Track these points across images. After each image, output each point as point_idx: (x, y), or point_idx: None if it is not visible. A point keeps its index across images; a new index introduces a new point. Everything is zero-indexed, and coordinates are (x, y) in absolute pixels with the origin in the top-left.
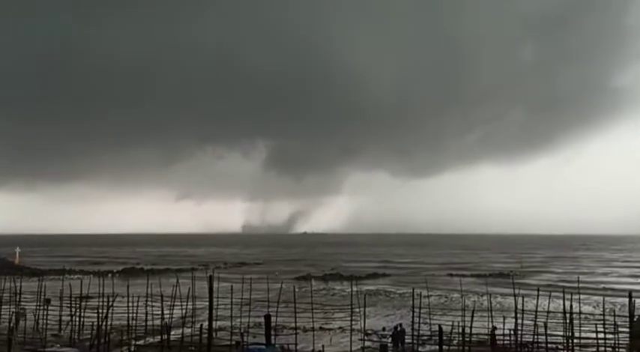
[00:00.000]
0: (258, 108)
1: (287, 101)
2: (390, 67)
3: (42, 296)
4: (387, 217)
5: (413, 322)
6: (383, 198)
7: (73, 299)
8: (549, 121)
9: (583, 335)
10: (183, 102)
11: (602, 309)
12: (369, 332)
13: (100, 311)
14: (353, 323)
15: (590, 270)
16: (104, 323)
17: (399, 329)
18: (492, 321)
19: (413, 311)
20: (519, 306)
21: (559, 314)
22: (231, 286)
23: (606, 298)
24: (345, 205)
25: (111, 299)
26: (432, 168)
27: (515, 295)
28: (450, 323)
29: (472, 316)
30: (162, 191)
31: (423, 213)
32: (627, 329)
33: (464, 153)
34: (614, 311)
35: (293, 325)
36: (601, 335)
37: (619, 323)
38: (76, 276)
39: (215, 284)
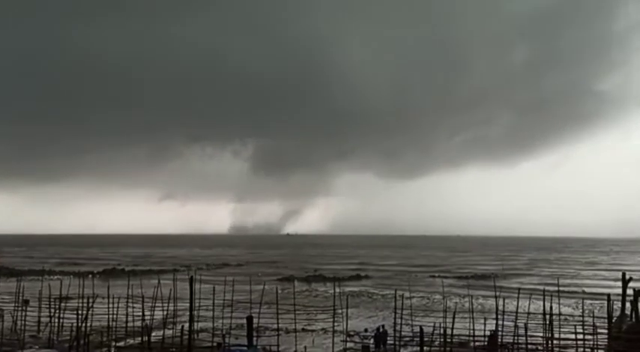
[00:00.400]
0: (248, 108)
1: (277, 102)
2: (381, 69)
3: (20, 297)
4: (375, 219)
5: (395, 323)
6: (370, 199)
7: (52, 300)
8: (537, 125)
9: (562, 336)
10: (172, 102)
11: (581, 311)
12: (352, 333)
13: (80, 312)
14: (335, 324)
15: (573, 272)
16: (84, 325)
17: (381, 330)
18: (474, 322)
19: (395, 313)
20: (500, 308)
21: (539, 316)
22: (213, 287)
23: (586, 300)
24: (333, 206)
25: (91, 300)
26: (420, 169)
27: (496, 296)
28: (432, 324)
29: (453, 317)
30: (147, 191)
31: (410, 214)
32: (606, 331)
33: (452, 155)
34: (593, 312)
35: (275, 326)
36: (580, 336)
37: (598, 324)
38: (55, 277)
39: (197, 286)
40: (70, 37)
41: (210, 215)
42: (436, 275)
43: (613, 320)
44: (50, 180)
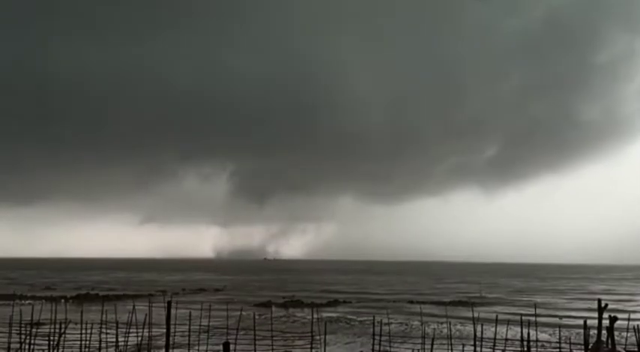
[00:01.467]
0: (237, 130)
1: (267, 125)
2: (377, 96)
3: None
4: (357, 244)
5: (373, 349)
6: (354, 224)
7: (22, 325)
8: (527, 154)
9: None
10: (160, 122)
11: (558, 337)
12: None
13: (52, 338)
14: (313, 350)
15: (551, 299)
16: (55, 351)
17: None
18: (452, 349)
19: (373, 339)
20: (478, 334)
21: (517, 342)
22: (190, 312)
23: (563, 327)
24: (320, 231)
25: (63, 325)
26: (411, 194)
27: (474, 323)
28: (410, 350)
29: (432, 344)
30: (127, 213)
31: (401, 239)
32: None
33: (438, 181)
34: (569, 339)
35: None
36: None
37: (574, 351)
38: (27, 302)
39: (173, 311)
40: (48, 54)
41: (193, 239)
42: (415, 300)
43: (589, 347)
44: (26, 203)
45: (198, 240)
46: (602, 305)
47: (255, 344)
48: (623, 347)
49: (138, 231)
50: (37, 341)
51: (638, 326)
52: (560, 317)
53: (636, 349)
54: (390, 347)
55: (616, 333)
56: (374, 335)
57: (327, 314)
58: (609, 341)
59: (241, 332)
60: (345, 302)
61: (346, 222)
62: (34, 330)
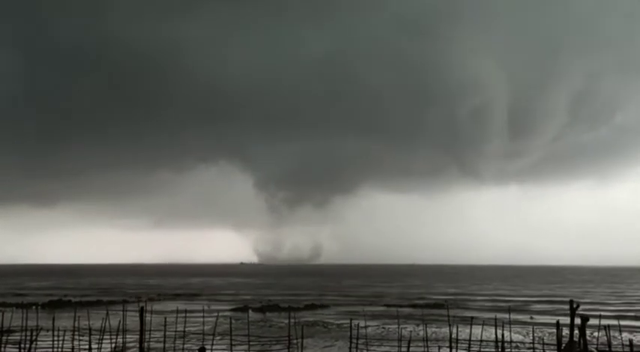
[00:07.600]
0: (261, 125)
1: (288, 121)
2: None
3: None
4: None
5: None
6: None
7: None
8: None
9: None
10: (180, 118)
11: (531, 338)
12: None
13: (23, 345)
14: None
15: (525, 300)
16: None
17: None
18: (428, 351)
19: (350, 342)
20: (453, 336)
21: (491, 343)
22: (165, 318)
23: (536, 327)
24: (353, 233)
25: (34, 333)
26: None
27: (449, 325)
28: None
29: (408, 346)
30: (140, 218)
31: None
32: None
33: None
34: (542, 340)
35: None
36: None
37: (547, 351)
38: None
39: (148, 317)
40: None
41: (208, 243)
42: (391, 303)
43: (562, 347)
44: (44, 205)
45: (216, 244)
46: (574, 305)
47: (231, 349)
48: (595, 346)
49: (151, 234)
50: (7, 349)
51: (608, 325)
52: (532, 316)
53: (607, 348)
54: (367, 349)
55: (587, 333)
56: (351, 338)
57: (305, 318)
58: (581, 341)
59: (217, 338)
60: (322, 305)
61: (372, 221)
62: (4, 338)
